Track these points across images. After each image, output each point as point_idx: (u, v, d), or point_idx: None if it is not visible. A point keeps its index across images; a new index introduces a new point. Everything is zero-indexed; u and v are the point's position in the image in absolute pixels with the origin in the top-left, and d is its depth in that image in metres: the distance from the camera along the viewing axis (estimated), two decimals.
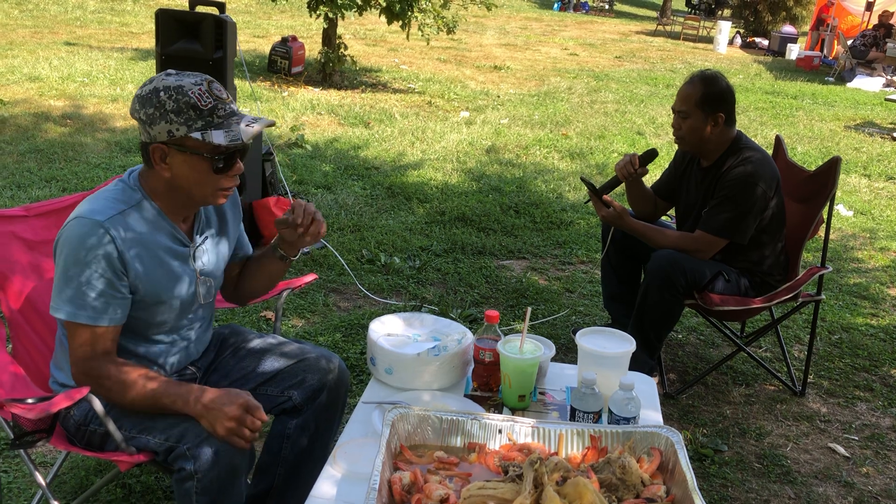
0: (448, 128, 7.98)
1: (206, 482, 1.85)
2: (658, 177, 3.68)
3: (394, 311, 3.94)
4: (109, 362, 1.91)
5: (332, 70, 9.71)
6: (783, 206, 3.29)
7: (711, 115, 3.22)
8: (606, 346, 2.10)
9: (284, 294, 2.50)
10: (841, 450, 3.11)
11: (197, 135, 1.85)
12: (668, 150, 3.53)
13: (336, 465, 1.82)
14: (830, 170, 3.28)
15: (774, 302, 3.25)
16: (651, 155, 3.41)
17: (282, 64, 9.79)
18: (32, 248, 2.21)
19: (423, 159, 6.73)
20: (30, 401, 1.78)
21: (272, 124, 1.99)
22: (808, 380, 3.51)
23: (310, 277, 2.59)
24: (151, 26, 13.41)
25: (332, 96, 9.07)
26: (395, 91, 9.78)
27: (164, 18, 4.03)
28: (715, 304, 3.18)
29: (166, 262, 1.98)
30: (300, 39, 10.21)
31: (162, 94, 1.85)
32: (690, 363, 3.69)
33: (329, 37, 9.64)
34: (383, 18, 9.19)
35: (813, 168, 3.45)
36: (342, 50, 9.65)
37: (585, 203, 3.92)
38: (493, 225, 5.26)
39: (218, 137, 1.86)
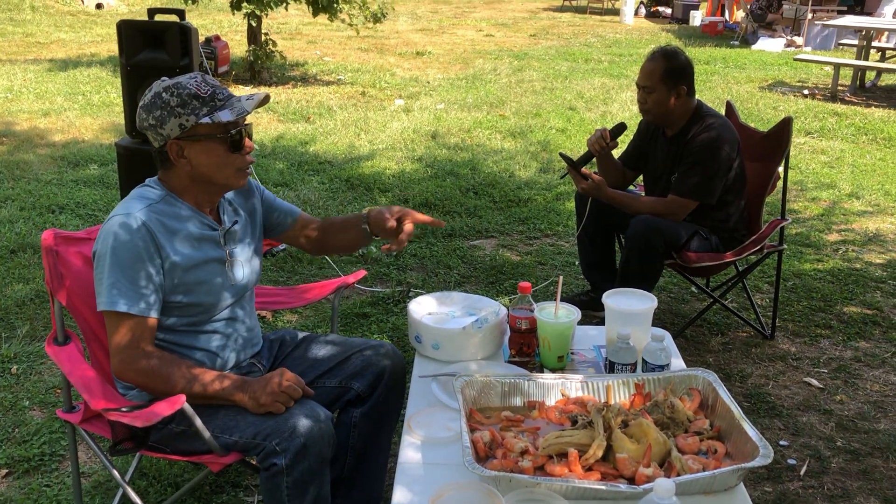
0: (388, 117, 8.11)
1: (296, 475, 1.94)
2: (624, 149, 3.93)
3: (383, 299, 4.12)
4: (151, 350, 2.00)
5: (260, 67, 9.69)
6: (744, 166, 3.59)
7: (674, 88, 3.48)
8: (633, 304, 2.32)
9: (339, 290, 2.60)
10: (815, 382, 3.44)
11: (206, 119, 1.99)
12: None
13: (413, 433, 1.99)
14: (783, 130, 3.59)
15: (744, 254, 3.54)
16: (620, 129, 3.65)
17: (208, 64, 9.70)
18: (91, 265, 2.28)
19: (372, 150, 6.85)
20: (124, 409, 1.87)
21: (268, 98, 2.10)
22: (776, 324, 3.84)
23: (360, 274, 2.67)
24: (58, 35, 13.13)
25: None
26: (326, 84, 9.82)
27: (127, 29, 4.02)
28: (692, 261, 3.45)
29: (198, 246, 2.09)
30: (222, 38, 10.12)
31: (164, 94, 1.99)
32: (668, 319, 3.97)
33: (255, 34, 9.61)
34: (296, 11, 9.16)
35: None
36: (271, 46, 9.64)
37: (562, 178, 4.16)
38: (455, 208, 5.45)
39: (225, 116, 2.00)
